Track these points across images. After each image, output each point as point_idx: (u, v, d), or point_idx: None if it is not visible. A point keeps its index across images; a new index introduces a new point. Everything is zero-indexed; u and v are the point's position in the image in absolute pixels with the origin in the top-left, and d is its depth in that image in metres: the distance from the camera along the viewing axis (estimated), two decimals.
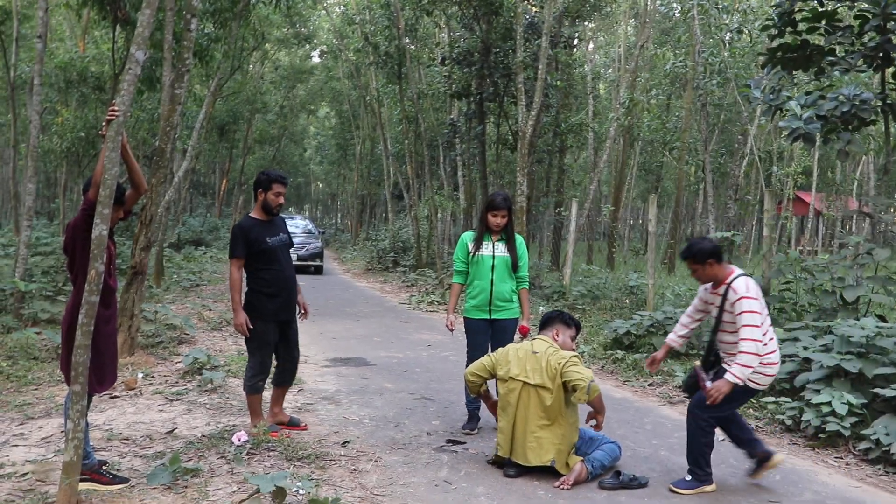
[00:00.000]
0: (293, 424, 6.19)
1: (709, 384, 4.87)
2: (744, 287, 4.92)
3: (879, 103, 9.42)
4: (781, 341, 7.90)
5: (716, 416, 5.04)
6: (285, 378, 6.24)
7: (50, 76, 18.12)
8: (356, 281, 22.48)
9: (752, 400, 7.37)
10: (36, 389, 7.22)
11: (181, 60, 9.16)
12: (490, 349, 6.29)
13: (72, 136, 19.25)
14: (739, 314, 4.84)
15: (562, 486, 4.99)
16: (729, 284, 5.01)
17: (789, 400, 6.92)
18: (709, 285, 5.24)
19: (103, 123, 4.51)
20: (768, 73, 9.76)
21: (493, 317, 6.25)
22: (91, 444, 4.87)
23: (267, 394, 6.29)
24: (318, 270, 24.14)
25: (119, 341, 8.40)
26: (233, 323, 6.07)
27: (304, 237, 24.45)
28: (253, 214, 6.04)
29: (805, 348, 7.29)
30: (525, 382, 5.22)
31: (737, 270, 5.10)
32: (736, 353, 4.82)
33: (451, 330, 6.39)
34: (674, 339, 5.55)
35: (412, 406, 7.20)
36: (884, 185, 10.84)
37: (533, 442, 5.13)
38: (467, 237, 6.37)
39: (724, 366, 5.00)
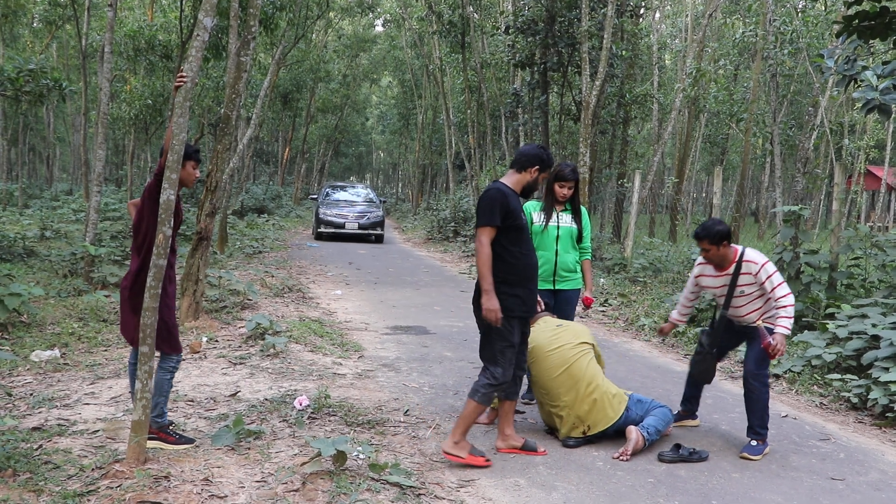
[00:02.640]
0: (529, 449, 5.12)
1: (770, 340, 5.08)
2: (758, 255, 5.32)
3: None
4: (849, 318, 7.74)
5: (768, 371, 5.42)
6: (517, 388, 5.16)
7: (119, 44, 18.43)
8: (416, 250, 22.57)
9: (817, 377, 7.24)
10: (105, 350, 7.42)
11: (247, 28, 9.23)
12: None
13: (140, 104, 19.58)
14: (768, 278, 5.20)
15: (621, 458, 4.98)
16: (741, 260, 5.32)
17: (856, 378, 6.77)
18: (707, 269, 5.54)
19: (172, 90, 4.58)
20: (843, 41, 9.45)
21: (557, 287, 6.21)
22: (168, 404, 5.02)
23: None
24: (379, 239, 24.28)
25: (184, 306, 8.62)
26: (483, 308, 4.72)
27: (365, 206, 24.61)
28: (508, 183, 5.01)
29: (874, 325, 7.13)
30: (592, 345, 5.51)
31: (739, 247, 5.42)
32: (775, 311, 5.18)
33: None
34: (677, 317, 6.05)
35: (471, 375, 7.22)
36: None
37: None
38: (531, 206, 6.31)
39: (767, 325, 5.25)
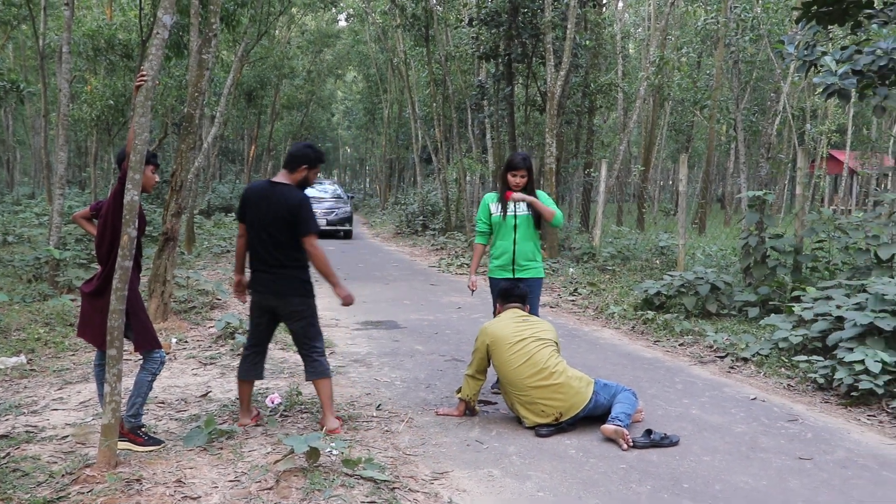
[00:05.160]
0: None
1: None
2: None
3: None
4: (814, 300, 7.85)
5: None
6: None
7: (78, 44, 18.17)
8: (385, 245, 22.54)
9: (784, 359, 7.34)
10: (73, 355, 7.34)
11: (208, 25, 9.16)
12: None
13: (101, 105, 19.33)
14: None
15: (626, 445, 4.99)
16: None
17: (822, 359, 6.87)
18: None
19: (133, 89, 4.54)
20: (802, 28, 9.56)
21: (517, 276, 6.28)
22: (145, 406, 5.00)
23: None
24: (348, 235, 24.22)
25: (152, 307, 8.55)
26: (345, 296, 5.19)
27: (332, 202, 24.52)
28: (287, 182, 5.29)
29: (838, 307, 7.23)
30: (556, 343, 5.53)
31: None
32: None
33: (473, 290, 6.46)
34: None
35: (443, 368, 7.24)
36: None
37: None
38: (489, 198, 6.43)
39: None
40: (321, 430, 5.11)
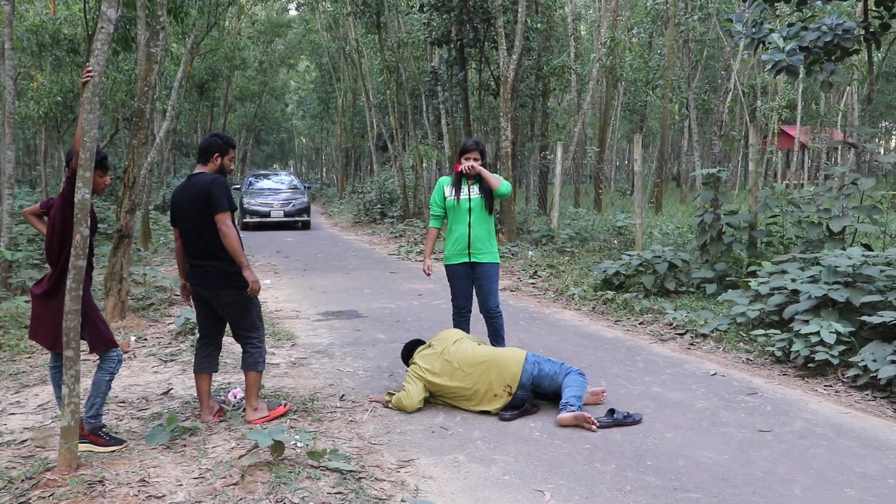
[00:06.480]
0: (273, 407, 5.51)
1: None
2: None
3: (862, 32, 9.37)
4: (770, 274, 7.97)
5: None
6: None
7: (21, 40, 17.77)
8: (344, 234, 22.45)
9: (742, 334, 7.46)
10: (29, 358, 7.21)
11: (155, 18, 9.01)
12: (474, 294, 6.46)
13: (49, 101, 18.93)
14: None
15: (592, 427, 5.03)
16: None
17: (778, 332, 6.98)
18: None
19: (80, 86, 4.46)
20: (750, 6, 9.67)
21: (472, 260, 6.32)
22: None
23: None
24: (306, 226, 24.06)
25: (109, 305, 8.44)
26: (251, 281, 5.06)
27: (289, 193, 24.35)
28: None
29: (793, 280, 7.35)
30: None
31: None
32: None
33: (428, 274, 6.48)
34: None
35: None
36: (868, 115, 10.84)
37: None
38: (444, 181, 6.46)
39: None
40: (244, 423, 5.19)
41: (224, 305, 5.22)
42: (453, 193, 6.33)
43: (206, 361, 5.37)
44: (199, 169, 5.26)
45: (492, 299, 6.39)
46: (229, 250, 5.02)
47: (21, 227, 12.94)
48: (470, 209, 6.28)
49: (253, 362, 5.29)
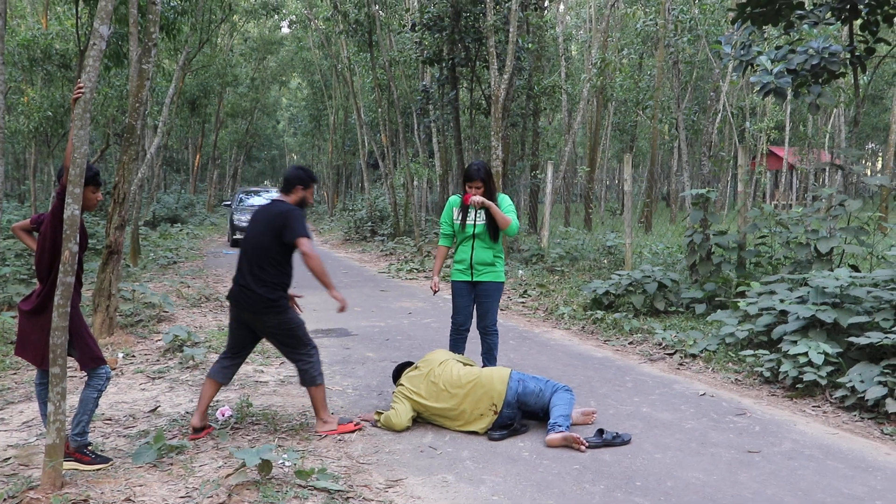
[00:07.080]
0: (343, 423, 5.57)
1: None
2: None
3: (848, 56, 9.46)
4: (759, 295, 7.99)
5: None
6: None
7: (13, 54, 17.78)
8: (334, 252, 22.43)
9: (731, 354, 7.47)
10: (14, 374, 7.16)
11: (147, 35, 9.02)
12: (474, 312, 6.47)
13: (39, 116, 18.92)
14: None
15: (581, 447, 5.02)
16: None
17: (767, 352, 7.00)
18: None
19: (71, 101, 4.46)
20: (738, 28, 9.76)
21: (475, 279, 6.35)
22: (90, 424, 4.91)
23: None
24: None
25: (98, 322, 8.39)
26: (342, 300, 5.49)
27: None
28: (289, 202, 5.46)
29: (781, 301, 7.37)
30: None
31: None
32: None
33: (435, 291, 6.55)
34: None
35: None
36: (854, 137, 10.91)
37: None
38: (454, 202, 6.51)
39: None
40: (314, 434, 5.31)
41: (267, 330, 5.34)
42: (459, 218, 6.38)
43: (222, 372, 5.46)
44: (280, 197, 5.45)
45: (489, 316, 6.42)
46: (314, 271, 5.20)
47: (9, 241, 12.89)
48: (474, 235, 6.33)
49: (310, 379, 5.38)
